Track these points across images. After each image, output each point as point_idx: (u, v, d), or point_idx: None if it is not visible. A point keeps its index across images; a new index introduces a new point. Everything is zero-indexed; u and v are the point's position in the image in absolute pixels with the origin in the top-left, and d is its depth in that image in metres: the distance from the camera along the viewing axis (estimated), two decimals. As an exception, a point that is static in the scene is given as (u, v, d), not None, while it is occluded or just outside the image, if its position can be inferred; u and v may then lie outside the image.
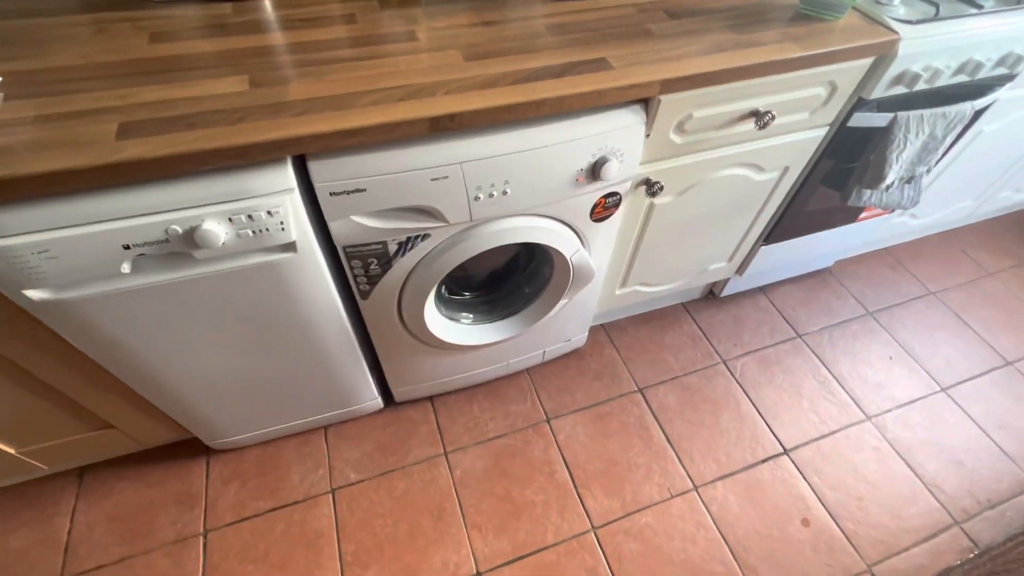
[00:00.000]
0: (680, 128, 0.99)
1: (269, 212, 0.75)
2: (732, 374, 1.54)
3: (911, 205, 1.32)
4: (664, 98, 0.91)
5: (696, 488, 1.32)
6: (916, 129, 1.12)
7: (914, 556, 1.24)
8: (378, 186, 0.80)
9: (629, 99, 0.87)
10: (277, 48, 0.86)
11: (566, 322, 1.35)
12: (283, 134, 0.70)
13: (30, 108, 0.71)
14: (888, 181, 1.22)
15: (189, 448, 1.31)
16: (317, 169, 0.77)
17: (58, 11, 0.92)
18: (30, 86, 0.75)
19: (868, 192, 1.25)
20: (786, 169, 1.20)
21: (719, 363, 1.57)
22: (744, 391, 1.51)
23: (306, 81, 0.79)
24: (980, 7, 1.09)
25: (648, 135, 0.97)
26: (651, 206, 1.15)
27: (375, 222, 0.85)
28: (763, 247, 1.46)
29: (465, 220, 0.91)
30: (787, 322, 1.68)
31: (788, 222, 1.39)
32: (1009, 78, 1.19)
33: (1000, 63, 1.13)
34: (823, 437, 1.42)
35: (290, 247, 0.82)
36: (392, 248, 0.91)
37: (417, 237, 0.91)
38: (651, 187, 1.05)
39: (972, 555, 1.24)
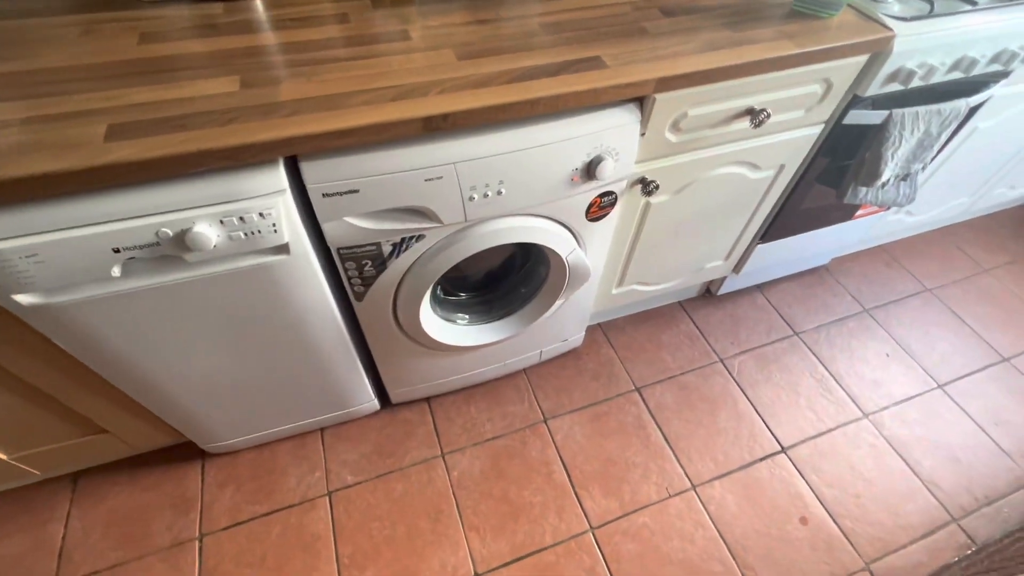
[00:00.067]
0: (675, 127, 0.99)
1: (261, 214, 0.74)
2: (729, 373, 1.54)
3: (907, 202, 1.32)
4: (659, 96, 0.90)
5: (694, 487, 1.32)
6: (911, 126, 1.13)
7: (912, 553, 1.24)
8: (371, 187, 0.79)
9: (624, 98, 0.86)
10: (269, 48, 0.85)
11: (563, 322, 1.35)
12: (275, 135, 0.69)
13: (18, 110, 0.71)
14: (884, 178, 1.22)
15: (184, 452, 1.30)
16: (309, 170, 0.76)
17: (46, 12, 0.90)
18: (18, 88, 0.74)
19: (864, 189, 1.25)
20: (782, 167, 1.20)
21: (716, 362, 1.57)
22: (741, 390, 1.51)
23: (298, 81, 0.79)
24: (974, 4, 1.09)
25: (643, 134, 0.96)
26: (647, 205, 1.15)
27: (369, 223, 0.85)
28: (759, 245, 1.46)
29: (460, 220, 0.90)
30: (784, 320, 1.68)
31: (784, 220, 1.39)
32: (1004, 75, 1.19)
33: (995, 60, 1.13)
34: (820, 435, 1.42)
35: (283, 249, 0.81)
36: (386, 249, 0.91)
37: (411, 238, 0.91)
38: (647, 186, 1.05)
39: (970, 552, 1.24)
